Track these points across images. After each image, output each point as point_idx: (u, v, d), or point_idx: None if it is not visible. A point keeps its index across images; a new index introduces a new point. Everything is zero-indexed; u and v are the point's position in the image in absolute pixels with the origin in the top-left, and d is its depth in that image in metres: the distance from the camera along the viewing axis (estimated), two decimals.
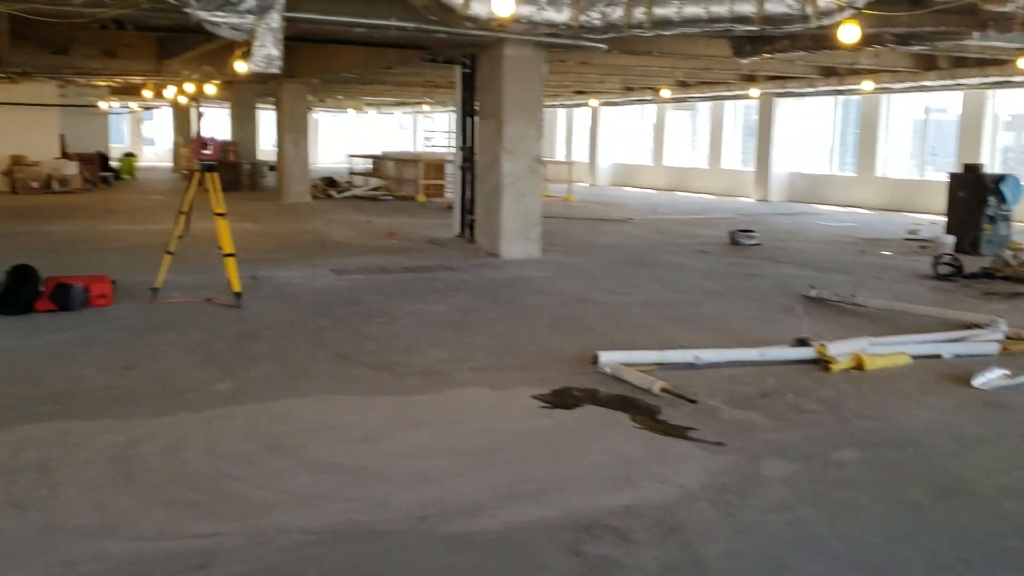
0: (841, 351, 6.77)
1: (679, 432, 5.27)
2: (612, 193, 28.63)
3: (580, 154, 35.40)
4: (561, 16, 8.64)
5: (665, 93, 24.06)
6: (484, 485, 4.41)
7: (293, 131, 21.98)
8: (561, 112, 36.23)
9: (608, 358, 6.51)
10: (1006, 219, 13.93)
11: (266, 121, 30.18)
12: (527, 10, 8.48)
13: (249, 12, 7.53)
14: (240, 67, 10.55)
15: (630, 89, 25.27)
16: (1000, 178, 13.98)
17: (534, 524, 3.98)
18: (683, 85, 23.31)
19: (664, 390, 5.90)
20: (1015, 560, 3.75)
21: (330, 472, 4.55)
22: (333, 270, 11.12)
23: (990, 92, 19.98)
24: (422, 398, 5.90)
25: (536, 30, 9.17)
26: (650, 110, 31.77)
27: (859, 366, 6.67)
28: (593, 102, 29.93)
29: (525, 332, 7.94)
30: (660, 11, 8.58)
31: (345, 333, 7.77)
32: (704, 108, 29.69)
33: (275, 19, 7.67)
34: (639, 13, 8.63)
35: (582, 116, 35.29)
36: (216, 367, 6.56)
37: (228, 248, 8.81)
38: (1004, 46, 12.71)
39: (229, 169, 23.42)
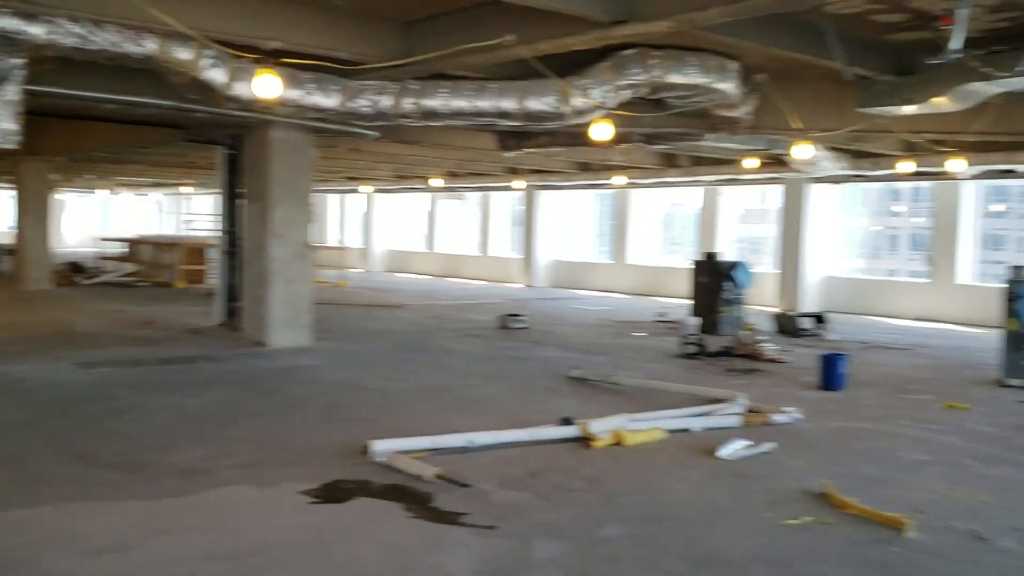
0: (602, 428, 7.07)
1: (452, 518, 5.24)
2: (386, 279, 28.67)
3: (354, 240, 35.31)
4: (329, 101, 8.66)
5: (436, 182, 24.67)
6: None
7: (34, 212, 20.34)
8: (334, 197, 36.07)
9: (381, 447, 6.40)
10: (740, 302, 15.30)
11: (1, 201, 27.71)
12: (294, 94, 8.43)
13: None
14: None
15: (402, 177, 25.69)
16: (733, 265, 15.38)
17: None
18: (453, 175, 24.03)
19: (437, 476, 5.87)
20: None
21: None
22: (78, 363, 10.25)
23: (723, 188, 22.13)
24: (177, 500, 5.50)
25: (304, 114, 9.12)
26: (423, 198, 32.38)
27: (619, 442, 6.99)
28: (366, 188, 30.10)
29: (293, 424, 7.67)
30: (428, 102, 8.82)
31: (90, 432, 7.14)
32: (474, 197, 30.67)
33: (11, 92, 7.14)
34: (408, 103, 8.82)
35: (355, 201, 35.31)
36: None
37: None
38: (733, 147, 14.15)
39: None
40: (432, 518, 5.25)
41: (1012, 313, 10.42)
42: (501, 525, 5.13)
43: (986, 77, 7.74)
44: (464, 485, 5.81)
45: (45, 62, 7.51)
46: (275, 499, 5.58)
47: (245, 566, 4.46)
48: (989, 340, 12.07)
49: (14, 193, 21.68)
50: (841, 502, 5.65)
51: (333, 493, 5.69)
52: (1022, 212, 21.04)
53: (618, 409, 7.97)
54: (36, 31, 6.71)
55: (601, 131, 9.76)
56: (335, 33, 8.06)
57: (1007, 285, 10.58)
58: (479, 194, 29.41)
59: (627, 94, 8.48)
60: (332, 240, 35.66)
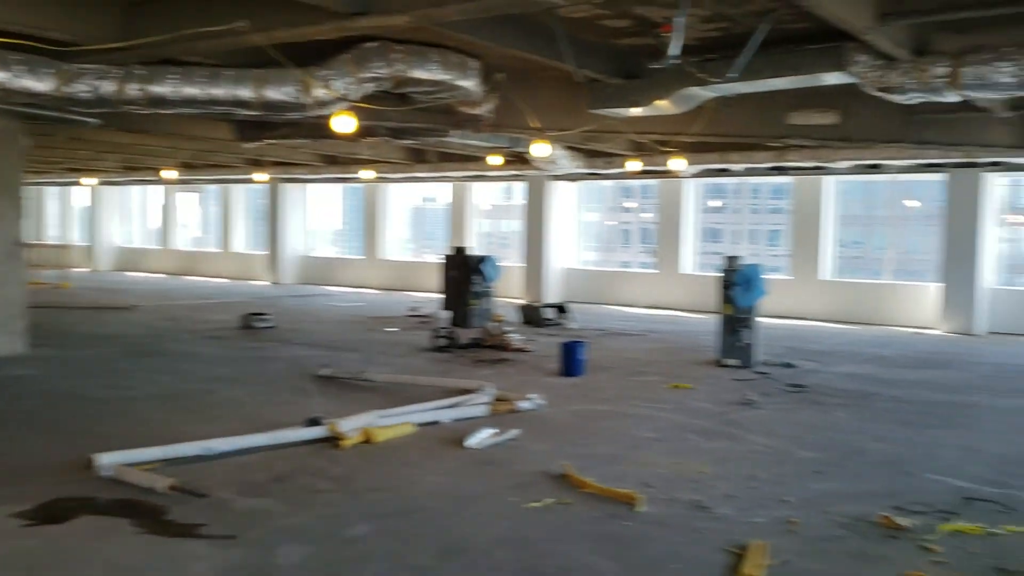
0: (351, 427, 6.98)
1: (187, 531, 4.94)
2: (116, 279, 26.63)
3: (78, 237, 32.49)
4: (42, 85, 7.87)
5: (170, 174, 23.18)
6: None
7: None
8: (53, 190, 32.99)
9: (107, 460, 5.92)
10: (489, 295, 15.73)
11: None
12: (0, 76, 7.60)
13: None
14: None
15: (131, 168, 23.90)
16: (482, 259, 15.78)
17: None
18: (189, 166, 22.70)
19: (171, 488, 5.51)
20: None
21: None
22: None
23: (471, 184, 22.63)
24: None
25: (11, 99, 8.23)
26: (156, 191, 30.37)
27: (368, 440, 6.93)
28: (89, 180, 27.73)
29: (3, 441, 6.91)
30: (156, 89, 8.24)
31: None
32: (213, 191, 29.20)
33: None
34: (133, 89, 8.20)
35: (79, 194, 32.49)
36: None
37: None
38: (479, 144, 14.47)
39: None
40: (166, 532, 4.93)
41: (727, 299, 11.47)
42: (242, 534, 4.91)
43: (701, 82, 8.43)
44: (201, 495, 5.50)
45: None
46: None
47: None
48: (709, 324, 13.19)
49: None
50: (580, 482, 5.94)
51: (52, 513, 5.19)
52: (736, 208, 23.22)
53: (368, 406, 7.91)
54: None
55: (344, 123, 9.61)
56: (44, 10, 7.32)
57: (722, 274, 11.63)
58: (218, 187, 28.05)
59: (370, 87, 8.40)
60: (51, 237, 32.65)
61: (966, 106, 9.25)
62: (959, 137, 11.41)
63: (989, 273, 16.22)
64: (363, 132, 11.05)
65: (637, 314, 18.47)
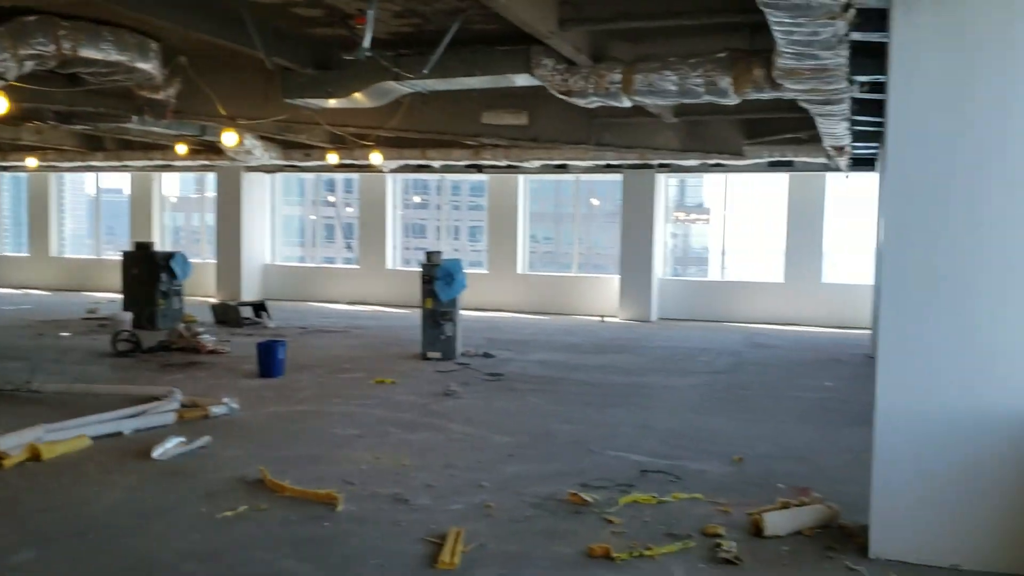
0: (13, 444, 6.22)
1: None
2: None
3: None
4: None
5: None
6: None
7: None
8: None
9: None
10: (178, 294, 14.78)
11: None
12: None
13: None
14: None
15: None
16: (170, 255, 14.79)
17: None
18: None
19: None
20: None
21: None
22: None
23: (156, 174, 21.14)
24: None
25: None
26: None
27: (36, 457, 6.22)
28: None
29: None
30: None
31: None
32: None
33: None
34: None
35: None
36: None
37: None
38: (163, 132, 13.53)
39: None
40: None
41: (429, 294, 11.65)
42: None
43: (396, 77, 8.45)
44: None
45: None
46: None
47: None
48: (413, 319, 13.34)
49: None
50: (276, 486, 5.73)
51: None
52: (438, 204, 23.70)
53: (36, 419, 7.08)
54: None
55: None
56: None
57: (423, 269, 11.79)
58: None
59: (30, 65, 7.53)
60: None
61: (639, 111, 10.08)
62: (633, 140, 12.46)
63: (660, 265, 17.90)
64: (25, 115, 9.89)
65: (341, 311, 18.28)
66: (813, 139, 11.75)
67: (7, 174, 22.63)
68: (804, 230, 16.98)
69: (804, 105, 8.35)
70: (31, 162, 17.84)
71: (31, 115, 10.56)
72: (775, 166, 15.90)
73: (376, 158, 14.62)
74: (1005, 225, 4.42)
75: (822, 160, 13.71)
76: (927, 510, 4.58)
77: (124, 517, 5.21)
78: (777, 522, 5.03)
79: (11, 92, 8.51)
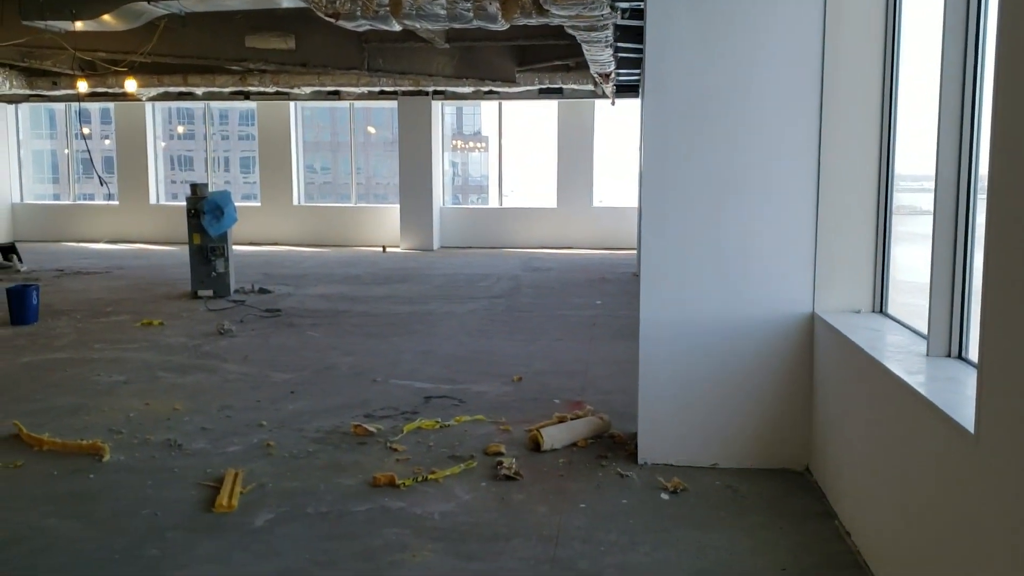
0: None
1: None
2: None
3: None
4: None
5: None
6: None
7: None
8: None
9: None
10: None
11: None
12: None
13: None
14: None
15: None
16: None
17: None
18: None
19: None
20: None
21: None
22: None
23: None
24: None
25: None
26: None
27: None
28: None
29: None
30: None
31: None
32: None
33: None
34: None
35: None
36: None
37: None
38: None
39: None
40: None
41: (196, 229, 11.07)
42: None
43: None
44: None
45: None
46: None
47: None
48: (182, 256, 12.66)
49: None
50: (33, 440, 5.33)
51: None
52: (204, 134, 22.42)
53: None
54: None
55: None
56: None
57: (188, 203, 11.16)
58: None
59: None
60: None
61: (412, 36, 9.96)
62: (407, 66, 12.31)
63: (440, 194, 17.97)
64: None
65: (101, 250, 17.04)
66: (581, 66, 12.11)
67: None
68: (574, 156, 17.59)
69: (571, 32, 8.56)
70: None
71: None
72: (546, 93, 16.29)
73: (131, 85, 13.59)
74: (753, 150, 4.76)
75: (590, 87, 14.19)
76: (688, 415, 4.96)
77: None
78: (554, 436, 5.29)
79: None
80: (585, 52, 9.86)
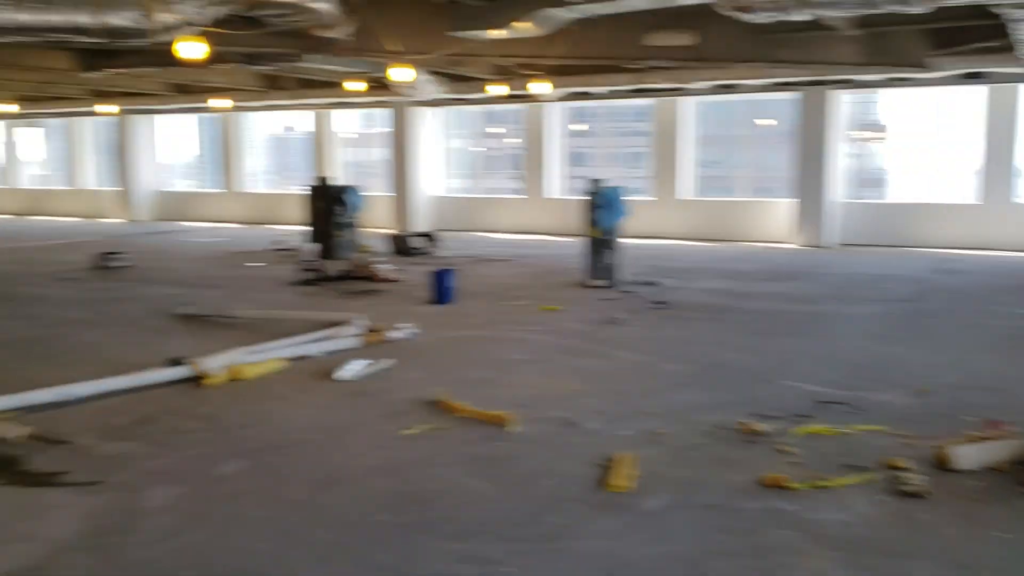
0: (216, 365, 6.78)
1: (48, 480, 4.73)
2: None
3: None
4: None
5: (8, 107, 21.52)
6: None
7: None
8: None
9: None
10: (353, 225, 15.40)
11: None
12: None
13: None
14: None
15: None
16: (344, 189, 15.40)
17: None
18: (29, 100, 21.12)
19: (26, 437, 5.24)
20: (386, 533, 4.12)
21: None
22: None
23: (330, 112, 21.99)
24: None
25: None
26: None
27: (236, 377, 6.76)
28: None
29: None
30: None
31: None
32: (58, 125, 27.26)
33: None
34: None
35: None
36: None
37: None
38: (337, 69, 14.02)
39: None
40: (24, 483, 4.70)
41: (591, 222, 11.65)
42: (107, 478, 4.73)
43: (560, 3, 8.38)
44: (61, 442, 5.26)
45: None
46: None
47: None
48: (576, 247, 13.40)
49: None
50: (452, 407, 5.99)
51: None
52: (600, 131, 23.47)
53: (234, 343, 7.68)
54: None
55: (192, 49, 9.11)
56: None
57: (588, 197, 11.78)
58: (63, 121, 26.27)
59: (220, 10, 7.97)
60: None
61: (815, 25, 9.56)
62: (808, 55, 11.82)
63: (838, 188, 17.07)
64: (214, 58, 10.48)
65: (505, 240, 18.59)
66: (1005, 48, 10.77)
67: (203, 115, 24.11)
68: (995, 146, 15.73)
69: (998, 11, 7.66)
70: (219, 103, 18.95)
71: (219, 58, 11.17)
72: (967, 78, 14.71)
73: (542, 88, 14.61)
74: None
75: (1017, 70, 12.59)
76: None
77: (315, 434, 5.60)
78: (966, 455, 4.81)
79: (204, 37, 9.02)
80: (1012, 32, 8.78)
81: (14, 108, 21.79)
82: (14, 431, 5.33)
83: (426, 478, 4.80)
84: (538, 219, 19.88)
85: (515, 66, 13.90)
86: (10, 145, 28.38)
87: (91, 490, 4.60)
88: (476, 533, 4.08)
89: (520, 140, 20.96)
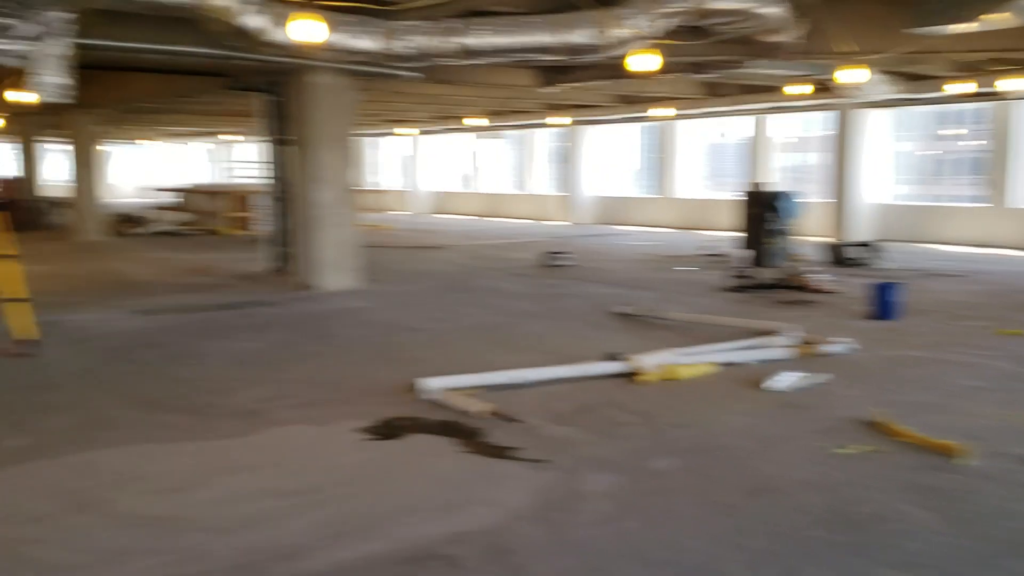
0: (651, 363, 7.08)
1: (503, 453, 5.32)
2: (429, 221, 28.74)
3: (392, 182, 35.38)
4: (371, 44, 8.60)
5: (476, 121, 24.54)
6: (308, 526, 4.28)
7: (87, 164, 20.66)
8: (369, 140, 36.10)
9: (430, 385, 6.50)
10: (787, 233, 15.01)
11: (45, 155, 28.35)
12: (335, 37, 8.39)
13: (23, 38, 7.02)
14: (27, 96, 9.81)
15: (444, 118, 25.59)
16: (778, 196, 15.06)
17: (362, 562, 3.90)
18: (494, 113, 23.86)
19: (488, 412, 5.95)
20: (818, 549, 4.02)
21: (140, 525, 4.28)
22: (136, 311, 10.50)
23: (768, 116, 21.67)
24: (238, 440, 5.66)
25: (344, 57, 9.08)
26: (464, 138, 32.24)
27: (669, 377, 7.00)
28: (406, 131, 30.09)
29: (345, 365, 7.80)
30: (469, 41, 8.71)
31: (150, 377, 7.34)
32: (514, 135, 30.43)
33: (61, 46, 7.20)
34: (449, 42, 8.73)
35: (396, 144, 35.27)
36: (7, 422, 6.03)
37: (19, 292, 8.21)
38: (778, 74, 13.80)
39: (20, 208, 21.78)
40: (485, 453, 5.34)
41: None
42: (553, 459, 5.20)
43: None
44: (515, 421, 5.89)
45: (91, 14, 7.57)
46: (331, 437, 5.71)
47: (306, 501, 4.59)
48: None
49: (66, 147, 22.00)
50: (894, 430, 5.62)
51: (387, 430, 5.80)
52: None
53: (666, 344, 7.97)
54: None
55: (645, 62, 9.57)
56: None
57: None
58: (517, 132, 29.21)
59: (670, 22, 8.30)
60: (368, 184, 35.81)
61: None
62: None
63: None
64: (661, 68, 10.92)
65: (959, 253, 16.89)
66: None
67: (643, 124, 25.24)
68: None
69: None
70: (659, 112, 19.70)
71: (663, 68, 11.61)
72: None
73: (1011, 84, 13.04)
74: None
75: None
76: None
77: (745, 440, 5.60)
78: None
79: (654, 49, 9.45)
80: None
81: (484, 122, 24.68)
82: (478, 406, 6.07)
83: (861, 500, 4.58)
84: (1001, 231, 17.74)
85: (983, 61, 12.56)
86: (475, 155, 32.23)
87: (540, 467, 5.09)
88: (920, 566, 3.81)
89: (983, 142, 18.88)
